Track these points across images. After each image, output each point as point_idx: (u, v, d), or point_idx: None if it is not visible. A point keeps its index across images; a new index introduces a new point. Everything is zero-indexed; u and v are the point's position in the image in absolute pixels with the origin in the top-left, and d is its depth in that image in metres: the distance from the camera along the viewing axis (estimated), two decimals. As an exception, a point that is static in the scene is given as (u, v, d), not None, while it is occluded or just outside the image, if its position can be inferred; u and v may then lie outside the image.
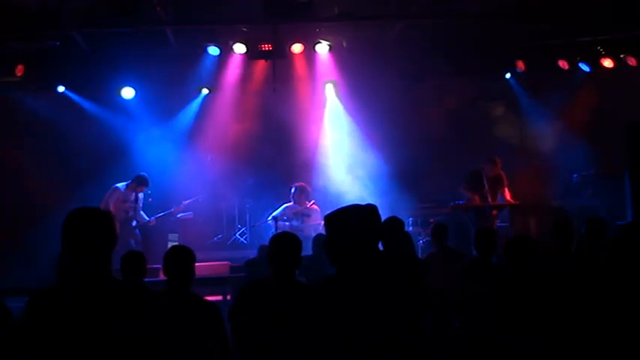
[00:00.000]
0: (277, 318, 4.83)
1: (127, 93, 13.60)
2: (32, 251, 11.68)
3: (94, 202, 11.65)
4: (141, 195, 12.31)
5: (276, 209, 12.54)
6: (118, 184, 12.16)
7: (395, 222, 6.96)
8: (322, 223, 12.15)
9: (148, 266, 6.71)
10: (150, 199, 12.95)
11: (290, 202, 12.54)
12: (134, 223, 12.14)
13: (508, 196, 12.37)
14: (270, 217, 12.43)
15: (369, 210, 3.93)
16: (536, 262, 5.57)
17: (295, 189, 12.51)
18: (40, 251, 10.85)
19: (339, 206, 4.04)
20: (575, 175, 13.64)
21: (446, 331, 6.04)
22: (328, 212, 4.04)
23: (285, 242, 5.13)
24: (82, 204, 3.73)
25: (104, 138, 13.72)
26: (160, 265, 5.31)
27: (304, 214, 12.41)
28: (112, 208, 11.84)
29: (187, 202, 13.23)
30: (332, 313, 3.73)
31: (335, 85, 14.35)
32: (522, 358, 5.12)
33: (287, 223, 12.28)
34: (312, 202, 12.55)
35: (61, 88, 13.29)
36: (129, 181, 12.18)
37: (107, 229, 3.60)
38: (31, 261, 11.32)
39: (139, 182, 12.17)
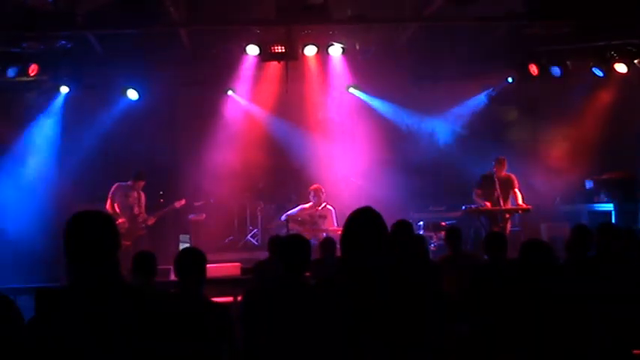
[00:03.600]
0: (286, 319, 4.82)
1: (132, 94, 13.66)
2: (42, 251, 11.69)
3: (101, 201, 11.71)
4: (142, 193, 12.25)
5: (291, 209, 12.71)
6: (120, 182, 12.12)
7: (403, 225, 6.94)
8: (335, 224, 12.25)
9: (159, 267, 6.71)
10: (161, 200, 12.97)
11: (307, 203, 12.68)
12: (140, 219, 12.09)
13: (519, 199, 12.33)
14: (284, 216, 12.59)
15: (368, 213, 3.93)
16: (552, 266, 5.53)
17: (311, 191, 12.65)
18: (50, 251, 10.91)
19: (352, 209, 4.05)
20: (587, 180, 13.61)
21: (456, 336, 6.01)
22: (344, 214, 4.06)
23: (295, 243, 5.13)
24: (90, 204, 3.75)
25: (115, 137, 13.79)
26: (170, 266, 5.31)
27: (320, 216, 12.51)
28: (117, 206, 11.83)
29: (199, 203, 13.23)
30: (337, 314, 3.73)
31: (356, 89, 14.46)
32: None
33: (299, 218, 12.47)
34: (324, 205, 12.64)
35: (64, 89, 13.31)
36: (129, 181, 12.13)
37: (110, 231, 3.61)
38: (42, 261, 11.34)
39: (139, 177, 12.13)
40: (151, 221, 12.24)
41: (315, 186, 12.77)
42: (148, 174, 12.25)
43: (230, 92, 14.53)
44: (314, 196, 12.62)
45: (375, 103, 14.69)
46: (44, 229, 11.93)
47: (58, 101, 13.58)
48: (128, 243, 11.43)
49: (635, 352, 5.48)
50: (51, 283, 9.67)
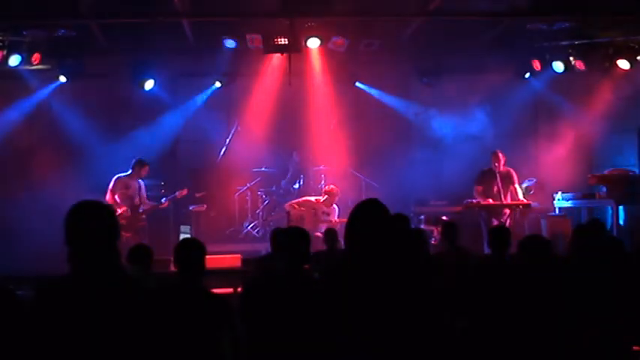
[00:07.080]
0: (286, 312, 4.83)
1: (148, 84, 13.63)
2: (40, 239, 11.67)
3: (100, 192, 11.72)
4: (142, 182, 12.17)
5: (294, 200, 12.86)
6: (119, 174, 12.05)
7: (399, 219, 6.91)
8: (337, 220, 12.29)
9: (160, 258, 6.72)
10: (162, 191, 12.96)
11: (313, 197, 12.78)
12: (141, 209, 12.03)
13: (520, 194, 12.32)
14: (287, 204, 12.67)
15: (371, 205, 3.93)
16: (550, 261, 5.53)
17: (326, 193, 12.83)
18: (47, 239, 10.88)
19: (353, 201, 4.05)
20: (588, 176, 13.59)
21: (453, 331, 6.02)
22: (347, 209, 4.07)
23: (294, 236, 5.13)
24: (93, 193, 3.78)
25: (115, 128, 13.83)
26: (171, 257, 5.31)
27: (324, 212, 12.60)
28: (117, 198, 11.77)
29: (200, 194, 13.24)
30: (336, 308, 3.74)
31: (359, 82, 14.45)
32: (534, 357, 5.12)
33: (303, 208, 12.54)
34: (332, 206, 12.76)
35: (62, 79, 13.35)
36: (130, 170, 12.06)
37: (110, 222, 3.63)
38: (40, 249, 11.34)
39: (141, 165, 12.04)
40: (164, 205, 12.19)
41: (331, 188, 12.83)
42: (149, 163, 12.22)
43: (218, 84, 14.45)
44: (327, 197, 12.68)
45: (378, 96, 14.67)
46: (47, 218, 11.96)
47: (61, 89, 13.61)
48: (128, 234, 11.38)
49: (636, 348, 5.48)
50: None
